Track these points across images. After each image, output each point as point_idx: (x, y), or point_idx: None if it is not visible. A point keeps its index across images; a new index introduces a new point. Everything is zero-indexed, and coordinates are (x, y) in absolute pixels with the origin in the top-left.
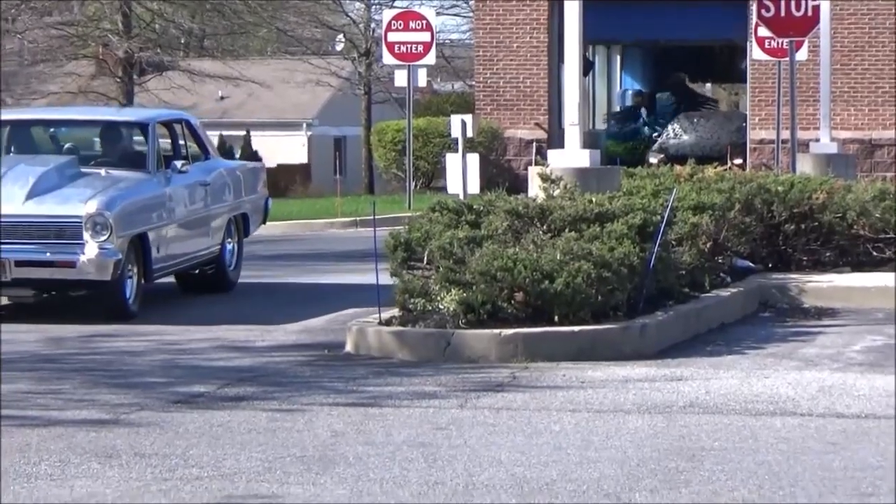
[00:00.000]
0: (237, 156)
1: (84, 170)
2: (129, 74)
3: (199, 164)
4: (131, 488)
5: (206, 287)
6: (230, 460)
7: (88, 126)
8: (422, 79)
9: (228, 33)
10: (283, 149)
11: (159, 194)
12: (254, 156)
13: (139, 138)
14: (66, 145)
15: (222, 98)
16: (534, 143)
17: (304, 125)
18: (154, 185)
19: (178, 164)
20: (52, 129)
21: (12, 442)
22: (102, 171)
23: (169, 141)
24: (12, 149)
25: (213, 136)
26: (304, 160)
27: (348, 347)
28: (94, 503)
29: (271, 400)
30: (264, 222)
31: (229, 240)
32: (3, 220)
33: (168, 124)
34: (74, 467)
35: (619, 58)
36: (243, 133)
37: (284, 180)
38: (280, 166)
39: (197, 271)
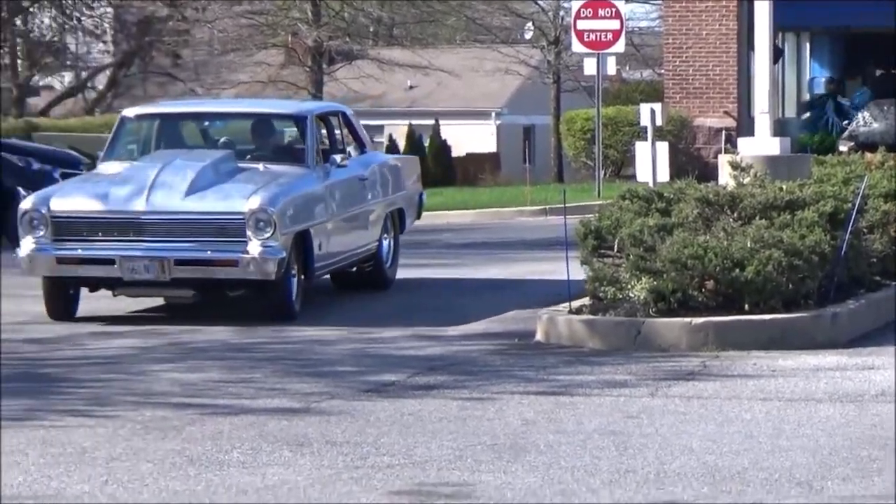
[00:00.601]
0: (426, 145)
1: (241, 165)
2: (319, 63)
3: (356, 157)
4: (323, 476)
5: (363, 285)
6: (421, 448)
7: (243, 119)
8: (611, 67)
9: (417, 22)
10: (471, 138)
11: (320, 190)
12: (443, 145)
13: (295, 132)
14: (222, 139)
15: (411, 87)
16: (723, 132)
17: (493, 114)
18: (314, 181)
19: (338, 158)
20: (206, 123)
21: (204, 430)
22: (260, 166)
23: (325, 134)
24: (162, 143)
25: (401, 126)
26: (493, 149)
27: (538, 336)
28: (286, 490)
29: (462, 388)
30: (418, 217)
31: (385, 236)
32: (162, 217)
33: (324, 117)
34: (266, 455)
35: (808, 45)
36: (432, 122)
37: (473, 169)
38: (469, 155)
39: (354, 269)
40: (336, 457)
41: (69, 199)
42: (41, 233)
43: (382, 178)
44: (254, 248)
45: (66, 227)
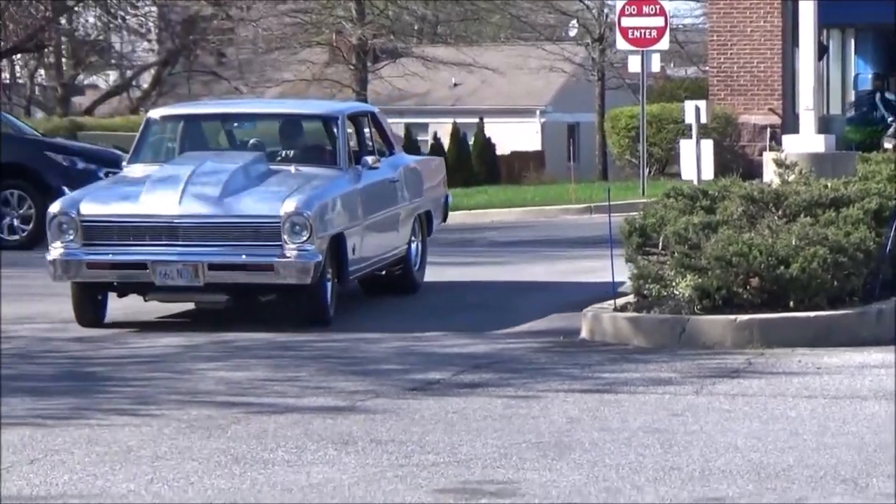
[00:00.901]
0: (470, 143)
1: (272, 167)
2: (363, 62)
3: (385, 159)
4: (368, 474)
5: (392, 289)
6: (466, 446)
7: (272, 120)
8: (655, 64)
9: (462, 19)
10: (516, 136)
11: (353, 192)
12: (487, 143)
13: (325, 133)
14: (252, 141)
15: (455, 85)
16: (768, 129)
17: (538, 112)
18: (346, 183)
19: (370, 159)
20: (234, 124)
21: (249, 429)
22: (292, 169)
23: (354, 135)
24: (188, 145)
25: (446, 124)
26: (538, 147)
27: (583, 334)
28: (331, 488)
29: (507, 386)
30: (444, 219)
31: (413, 238)
32: (195, 220)
33: (354, 117)
34: (311, 453)
35: (852, 42)
36: (476, 120)
37: (518, 167)
38: (513, 153)
39: (383, 272)
40: (381, 455)
41: (99, 203)
42: (70, 237)
43: (411, 179)
44: (290, 252)
45: (96, 232)
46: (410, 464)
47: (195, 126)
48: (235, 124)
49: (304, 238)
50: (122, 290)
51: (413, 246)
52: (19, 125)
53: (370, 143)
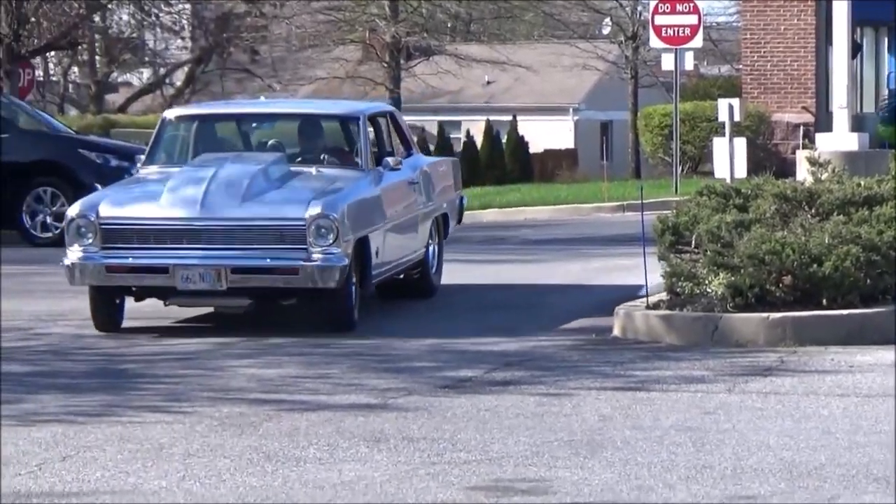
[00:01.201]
0: (503, 141)
1: (293, 168)
2: (396, 59)
3: (405, 160)
4: (399, 472)
5: (408, 293)
6: (498, 444)
7: (291, 120)
8: (689, 62)
9: (495, 17)
10: (549, 133)
11: (376, 194)
12: (520, 141)
13: (345, 133)
14: (271, 142)
15: (489, 83)
16: (801, 127)
17: (571, 110)
18: (369, 184)
19: (391, 160)
20: (253, 125)
21: (281, 426)
22: (313, 170)
23: (373, 135)
24: (203, 145)
25: (479, 122)
26: (571, 145)
27: (615, 331)
28: (363, 486)
29: (539, 384)
30: (459, 222)
31: (430, 241)
32: (218, 223)
33: (373, 118)
34: (343, 451)
35: (886, 40)
36: (509, 118)
37: (551, 165)
38: (546, 151)
39: (401, 276)
40: (413, 453)
41: (119, 205)
42: (89, 240)
43: (429, 181)
44: (315, 255)
45: (116, 235)
46: (442, 462)
47: (212, 126)
48: (254, 125)
49: (330, 241)
50: (140, 295)
51: (430, 249)
52: (53, 122)
53: (389, 144)
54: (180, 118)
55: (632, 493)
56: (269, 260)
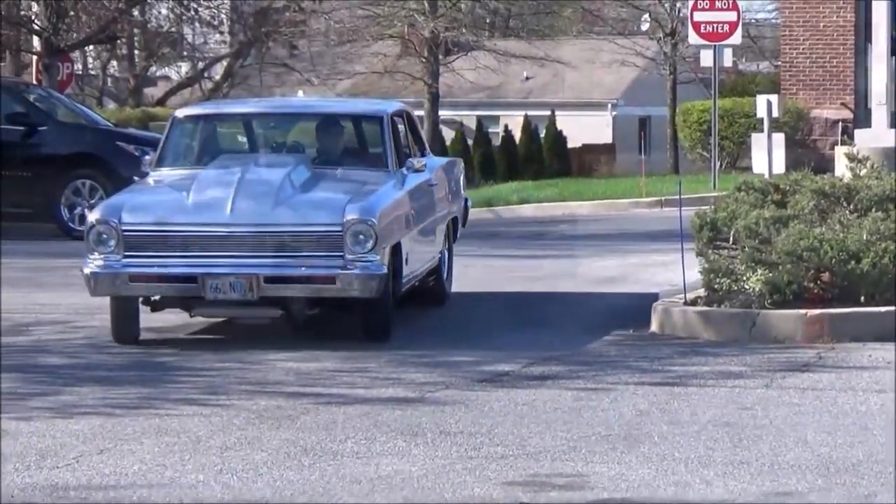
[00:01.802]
0: (542, 136)
1: (317, 170)
2: (435, 55)
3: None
4: (436, 466)
5: (419, 300)
6: (535, 439)
7: (310, 119)
8: (727, 59)
9: (534, 13)
10: (587, 129)
11: (404, 197)
12: (559, 136)
13: (367, 133)
14: (290, 142)
15: (527, 78)
16: (839, 123)
17: (609, 105)
18: (396, 187)
19: (415, 162)
20: (272, 124)
21: (318, 419)
22: (337, 171)
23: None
24: (215, 146)
25: (517, 117)
26: (609, 140)
27: (653, 327)
28: (400, 480)
29: (576, 379)
30: (463, 225)
31: (444, 246)
32: (249, 230)
33: (392, 117)
34: (380, 445)
35: None
36: (548, 113)
37: (589, 160)
38: (585, 146)
39: (417, 283)
40: (450, 447)
41: (143, 211)
42: (111, 248)
43: (444, 182)
44: (353, 262)
45: (139, 242)
46: (479, 456)
47: (225, 127)
48: (272, 124)
49: (369, 247)
50: (157, 305)
51: (443, 254)
52: (92, 115)
53: (407, 145)
54: (192, 118)
55: (669, 489)
56: (304, 269)
